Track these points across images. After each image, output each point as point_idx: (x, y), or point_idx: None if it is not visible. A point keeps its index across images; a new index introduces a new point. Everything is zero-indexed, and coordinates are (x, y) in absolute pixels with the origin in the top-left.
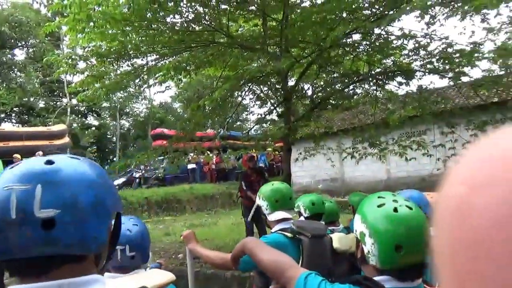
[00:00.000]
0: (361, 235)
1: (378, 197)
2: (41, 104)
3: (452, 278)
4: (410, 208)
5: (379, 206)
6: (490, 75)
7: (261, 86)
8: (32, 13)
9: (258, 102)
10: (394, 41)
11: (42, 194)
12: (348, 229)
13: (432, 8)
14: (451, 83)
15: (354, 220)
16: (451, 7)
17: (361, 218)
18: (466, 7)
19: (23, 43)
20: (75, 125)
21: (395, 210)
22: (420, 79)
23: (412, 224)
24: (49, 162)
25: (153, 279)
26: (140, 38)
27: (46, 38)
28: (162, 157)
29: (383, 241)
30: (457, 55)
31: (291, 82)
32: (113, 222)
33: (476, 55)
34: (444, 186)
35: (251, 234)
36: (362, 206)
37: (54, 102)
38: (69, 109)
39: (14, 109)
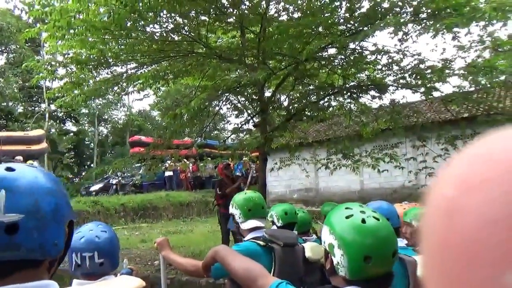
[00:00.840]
0: (330, 247)
1: (346, 208)
2: (20, 109)
3: (441, 283)
4: (378, 219)
5: (347, 217)
6: (461, 91)
7: (238, 97)
8: (13, 19)
9: (235, 112)
10: (368, 56)
11: (6, 199)
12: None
13: (405, 25)
14: (423, 98)
15: (322, 231)
16: (423, 24)
17: (329, 230)
18: (438, 25)
19: (3, 48)
20: (53, 130)
21: (363, 221)
22: (393, 93)
23: (380, 235)
24: (10, 169)
25: (122, 285)
26: (119, 46)
27: (26, 44)
28: (139, 164)
29: (352, 252)
30: (429, 71)
31: (267, 93)
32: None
33: (447, 71)
34: (433, 189)
35: (227, 243)
36: (330, 218)
37: (33, 108)
38: (47, 115)
39: None
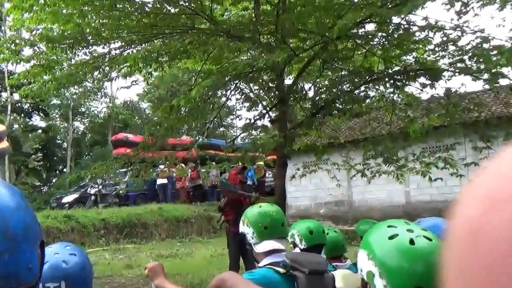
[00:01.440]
0: (369, 276)
1: (388, 226)
2: None
3: None
4: (430, 239)
5: (390, 237)
6: None
7: (251, 85)
8: None
9: (246, 104)
10: (417, 33)
11: None
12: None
13: None
14: (487, 86)
15: (358, 257)
16: None
17: (367, 254)
18: None
19: None
20: (16, 126)
21: (412, 242)
22: (449, 80)
23: (434, 259)
24: None
25: None
26: (101, 20)
27: None
28: (124, 169)
29: (398, 283)
30: (495, 52)
31: (288, 81)
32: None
33: None
34: (457, 206)
35: (236, 269)
36: (368, 238)
37: None
38: (9, 106)
39: None
